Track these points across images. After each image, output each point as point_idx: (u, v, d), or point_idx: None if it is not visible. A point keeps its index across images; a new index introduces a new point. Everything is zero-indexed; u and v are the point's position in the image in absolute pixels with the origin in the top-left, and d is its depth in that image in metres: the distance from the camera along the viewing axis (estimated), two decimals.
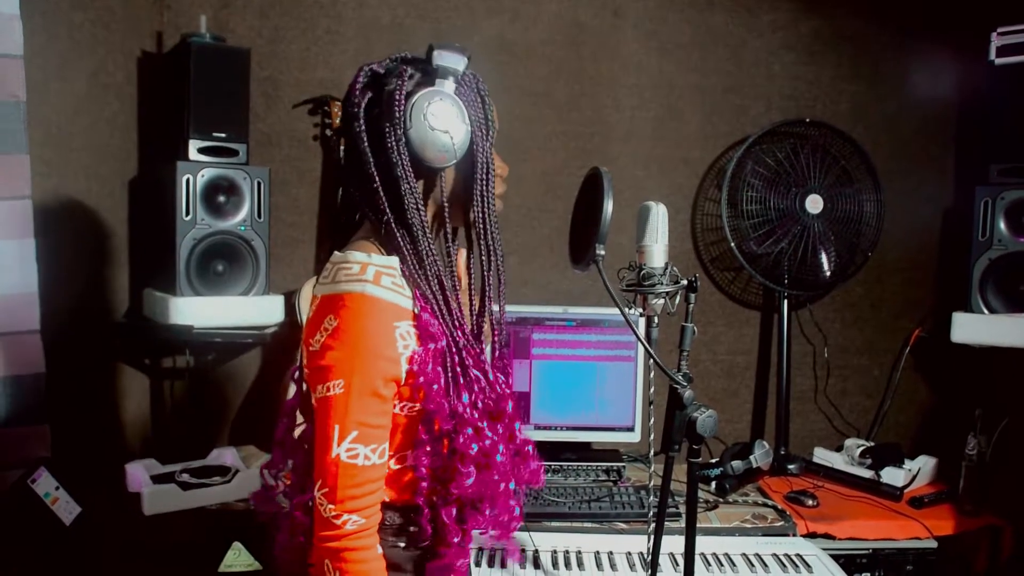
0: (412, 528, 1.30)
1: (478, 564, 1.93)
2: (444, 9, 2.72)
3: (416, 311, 1.22)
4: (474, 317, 1.36)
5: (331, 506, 1.16)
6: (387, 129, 1.20)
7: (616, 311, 1.36)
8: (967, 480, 2.36)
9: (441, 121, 1.20)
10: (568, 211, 1.53)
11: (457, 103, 1.21)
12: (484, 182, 1.28)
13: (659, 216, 1.44)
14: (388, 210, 1.23)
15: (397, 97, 1.20)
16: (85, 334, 2.31)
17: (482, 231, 1.30)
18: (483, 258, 1.32)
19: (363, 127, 1.23)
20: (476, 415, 1.23)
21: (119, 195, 2.49)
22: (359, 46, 2.69)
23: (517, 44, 2.76)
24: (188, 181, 2.28)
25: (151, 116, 2.55)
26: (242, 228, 2.38)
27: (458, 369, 1.23)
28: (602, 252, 1.35)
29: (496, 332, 1.39)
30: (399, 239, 1.23)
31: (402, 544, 1.30)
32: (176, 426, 2.60)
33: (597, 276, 1.36)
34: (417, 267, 1.23)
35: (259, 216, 2.40)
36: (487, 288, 1.33)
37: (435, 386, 1.19)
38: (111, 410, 2.45)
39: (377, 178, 1.23)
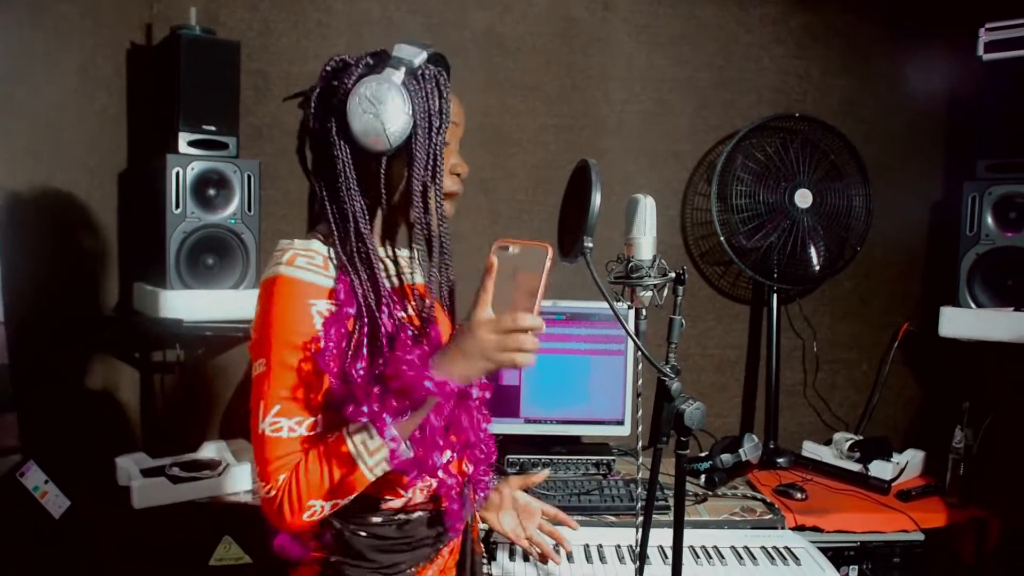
0: (375, 519, 1.32)
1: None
2: (434, 2, 2.72)
3: (335, 289, 1.23)
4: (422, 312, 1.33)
5: (263, 484, 1.20)
6: (328, 108, 1.24)
7: (606, 304, 1.36)
8: (954, 473, 2.37)
9: (377, 106, 1.20)
10: (558, 204, 1.53)
11: (401, 92, 1.21)
12: (425, 175, 1.25)
13: (647, 209, 1.44)
14: (324, 191, 1.26)
15: (345, 81, 1.23)
16: (75, 327, 2.30)
17: (421, 228, 1.27)
18: (424, 255, 1.30)
19: (312, 110, 1.26)
20: (367, 383, 1.19)
21: (108, 188, 2.48)
22: (350, 39, 2.69)
23: (507, 37, 2.76)
24: (178, 174, 2.27)
25: (140, 109, 2.54)
26: (232, 221, 2.37)
27: (364, 340, 1.22)
28: (590, 244, 1.35)
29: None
30: (332, 219, 1.25)
31: (363, 534, 1.32)
32: (166, 420, 2.60)
33: (586, 269, 1.36)
34: (348, 249, 1.24)
35: (249, 209, 2.40)
36: (430, 289, 1.32)
37: (332, 346, 1.19)
38: (101, 403, 2.44)
39: (312, 156, 1.28)
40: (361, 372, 1.20)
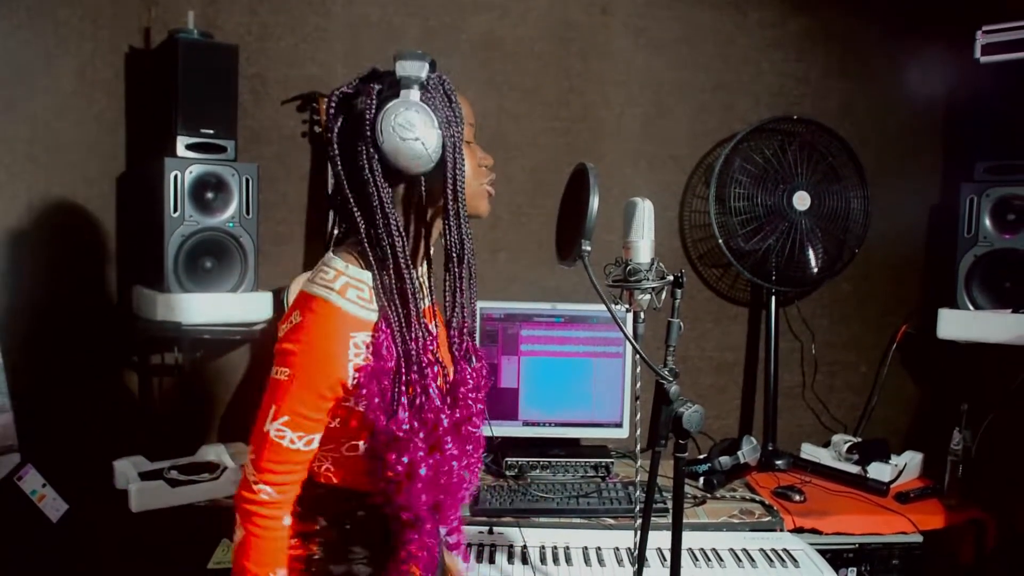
0: (360, 512, 1.34)
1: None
2: (432, 6, 2.72)
3: (377, 324, 1.26)
4: (454, 331, 1.37)
5: (253, 471, 1.26)
6: (359, 147, 1.24)
7: (604, 307, 1.37)
8: (953, 475, 2.38)
9: (411, 130, 1.22)
10: (557, 207, 1.54)
11: (424, 109, 1.23)
12: (455, 179, 1.28)
13: (645, 212, 1.44)
14: (364, 230, 1.26)
15: (367, 115, 1.23)
16: (74, 330, 2.30)
17: (452, 226, 1.30)
18: (454, 256, 1.32)
19: (336, 151, 1.27)
20: (412, 432, 1.24)
21: (107, 192, 2.49)
22: (348, 43, 2.69)
23: (506, 41, 2.76)
24: (176, 178, 2.27)
25: (139, 112, 2.54)
26: (230, 225, 2.37)
27: (402, 388, 1.25)
28: (588, 248, 1.36)
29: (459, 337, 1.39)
30: (374, 256, 1.27)
31: (348, 526, 1.35)
32: (164, 423, 2.59)
33: (584, 272, 1.36)
34: (387, 283, 1.26)
35: (247, 213, 2.40)
36: (458, 291, 1.34)
37: (376, 399, 1.23)
38: (99, 406, 2.44)
39: (352, 199, 1.27)
40: (404, 426, 1.23)
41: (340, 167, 1.26)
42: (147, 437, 2.58)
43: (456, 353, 1.38)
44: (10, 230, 2.04)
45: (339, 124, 1.27)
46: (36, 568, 1.96)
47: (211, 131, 2.36)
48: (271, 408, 1.24)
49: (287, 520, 1.29)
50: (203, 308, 2.33)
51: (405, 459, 1.23)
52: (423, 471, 1.25)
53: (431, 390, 1.26)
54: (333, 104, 1.27)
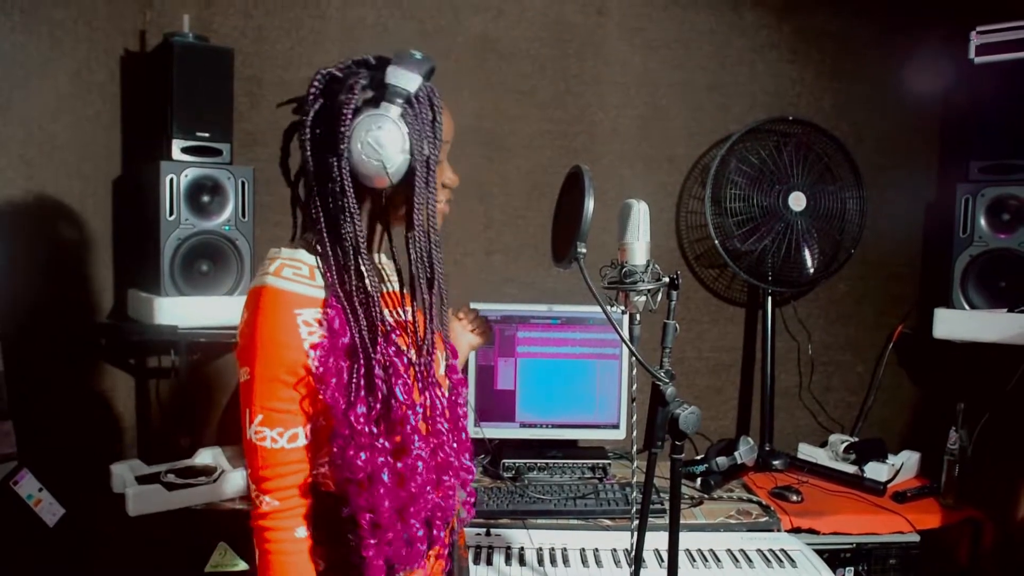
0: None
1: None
2: (428, 8, 2.72)
3: (326, 300, 1.23)
4: (422, 337, 1.31)
5: (252, 486, 1.24)
6: (330, 141, 1.22)
7: (600, 309, 1.37)
8: (949, 474, 2.38)
9: (378, 151, 1.20)
10: (552, 209, 1.54)
11: (398, 128, 1.21)
12: (425, 200, 1.26)
13: (640, 214, 1.44)
14: (324, 222, 1.24)
15: (344, 113, 1.20)
16: (69, 334, 2.30)
17: (419, 251, 1.27)
18: (418, 273, 1.28)
19: (308, 136, 1.24)
20: (371, 428, 1.21)
21: (103, 195, 2.48)
22: (343, 46, 2.69)
23: (502, 42, 2.76)
24: (172, 181, 2.27)
25: (134, 115, 2.54)
26: (226, 228, 2.37)
27: (362, 381, 1.22)
28: (583, 250, 1.36)
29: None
30: (330, 253, 1.24)
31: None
32: (161, 426, 2.59)
33: (580, 274, 1.36)
34: (337, 264, 1.24)
35: (243, 216, 2.40)
36: (425, 306, 1.30)
37: (333, 380, 1.20)
38: (95, 410, 2.44)
39: (316, 188, 1.25)
40: (362, 419, 1.20)
41: (308, 151, 1.24)
42: (144, 441, 2.58)
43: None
44: (4, 233, 2.04)
45: (317, 107, 1.24)
46: (33, 572, 1.96)
47: (207, 134, 2.36)
48: (245, 413, 1.22)
49: (300, 532, 1.25)
50: (199, 311, 2.32)
51: (363, 455, 1.20)
52: (385, 476, 1.21)
53: (397, 388, 1.23)
54: (317, 84, 1.25)
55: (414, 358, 1.28)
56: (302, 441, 1.23)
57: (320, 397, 1.21)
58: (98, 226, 2.43)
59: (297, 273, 1.24)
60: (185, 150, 2.32)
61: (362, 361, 1.22)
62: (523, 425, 2.49)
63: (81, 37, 2.32)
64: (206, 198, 2.34)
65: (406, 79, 1.22)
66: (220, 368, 2.68)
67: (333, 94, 1.23)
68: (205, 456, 2.37)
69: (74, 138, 2.31)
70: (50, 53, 2.20)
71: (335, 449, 1.23)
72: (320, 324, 1.22)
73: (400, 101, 1.21)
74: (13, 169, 2.05)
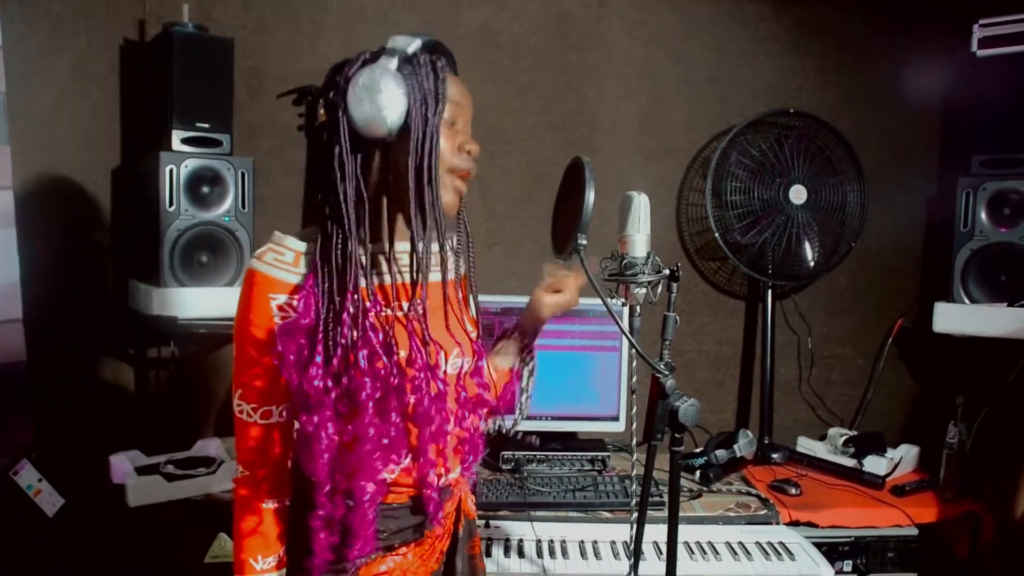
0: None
1: None
2: None
3: (299, 285, 1.25)
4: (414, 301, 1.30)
5: (236, 455, 1.33)
6: (331, 105, 1.25)
7: (600, 301, 1.36)
8: (948, 468, 2.38)
9: (374, 92, 1.20)
10: (553, 202, 1.53)
11: (396, 77, 1.21)
12: (423, 155, 1.25)
13: (641, 206, 1.44)
14: (323, 183, 1.26)
15: (346, 74, 1.24)
16: (69, 325, 2.30)
17: (417, 206, 1.25)
18: (417, 230, 1.26)
19: (321, 114, 1.29)
20: (324, 391, 1.21)
21: (102, 185, 2.48)
22: (344, 36, 2.68)
23: (503, 34, 2.75)
24: (171, 171, 2.26)
25: (134, 106, 2.53)
26: (226, 219, 2.37)
27: (318, 346, 1.22)
28: (584, 242, 1.35)
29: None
30: (326, 210, 1.25)
31: None
32: (161, 417, 2.59)
33: (580, 266, 1.36)
34: (327, 240, 1.24)
35: (243, 207, 2.39)
36: (419, 266, 1.27)
37: (290, 356, 1.22)
38: (95, 401, 2.44)
39: (324, 153, 1.27)
40: (317, 383, 1.21)
41: (325, 134, 1.26)
42: (143, 431, 2.58)
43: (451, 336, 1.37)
44: (4, 224, 2.04)
45: (323, 88, 1.28)
46: (33, 563, 1.96)
47: (207, 125, 2.35)
48: (233, 388, 1.30)
49: (269, 504, 1.33)
50: (199, 302, 2.32)
51: (315, 418, 1.21)
52: (329, 431, 1.22)
53: (360, 356, 1.22)
54: (328, 71, 1.29)
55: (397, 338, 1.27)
56: (275, 419, 1.30)
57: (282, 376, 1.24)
58: (98, 217, 2.43)
59: (279, 258, 1.27)
60: (185, 141, 2.32)
61: (325, 329, 1.22)
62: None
63: (80, 28, 2.32)
64: (206, 189, 2.34)
65: (403, 42, 1.25)
66: (220, 359, 2.68)
67: (340, 72, 1.27)
68: (205, 447, 2.37)
69: (74, 129, 2.31)
70: (49, 44, 2.19)
71: (294, 420, 1.28)
72: (292, 309, 1.24)
73: (397, 58, 1.23)
74: (13, 160, 2.04)
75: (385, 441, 1.26)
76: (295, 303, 1.24)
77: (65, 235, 2.31)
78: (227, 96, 2.42)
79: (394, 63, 1.23)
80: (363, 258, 1.25)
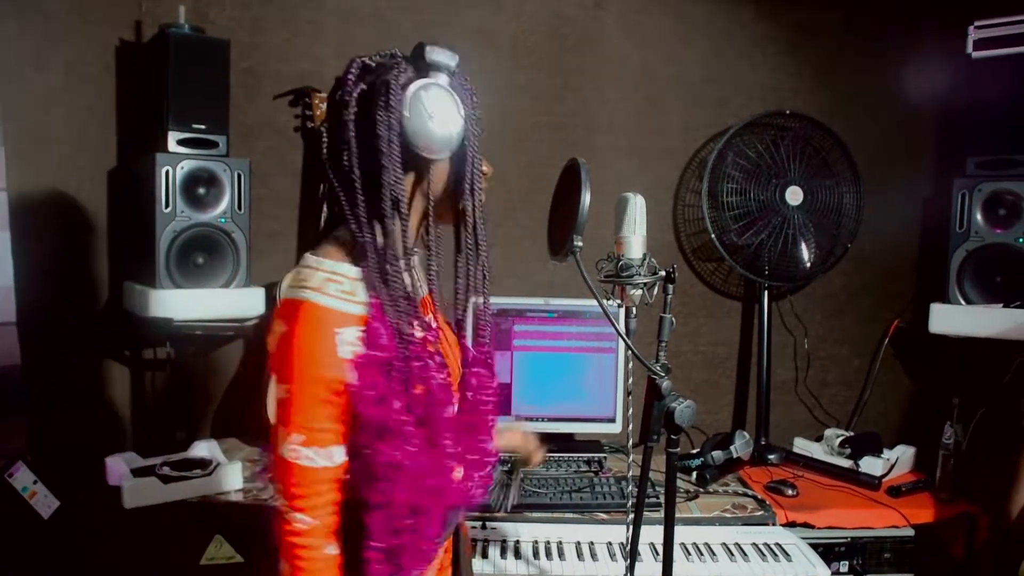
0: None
1: None
2: (426, 0, 2.71)
3: (367, 316, 1.19)
4: (456, 312, 1.33)
5: (282, 502, 1.19)
6: (380, 117, 1.17)
7: (596, 303, 1.36)
8: (944, 469, 2.38)
9: (439, 111, 1.18)
10: (549, 203, 1.53)
11: (453, 95, 1.20)
12: (475, 176, 1.26)
13: (637, 207, 1.44)
14: (363, 205, 1.20)
15: (394, 85, 1.18)
16: (64, 327, 2.29)
17: (471, 225, 1.27)
18: (469, 252, 1.28)
19: (352, 116, 1.20)
20: (404, 422, 1.19)
21: (98, 187, 2.47)
22: (340, 38, 2.68)
23: (500, 35, 2.75)
24: (167, 173, 2.26)
25: (130, 107, 2.53)
26: (222, 220, 2.36)
27: (397, 377, 1.19)
28: (580, 243, 1.35)
29: (482, 327, 1.36)
30: (363, 242, 1.20)
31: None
32: (156, 419, 2.59)
33: (577, 267, 1.36)
34: (378, 271, 1.20)
35: (239, 208, 2.39)
36: (471, 282, 1.30)
37: (369, 392, 1.16)
38: (91, 403, 2.43)
39: (358, 171, 1.20)
40: (396, 410, 1.18)
41: (353, 134, 1.20)
42: (139, 433, 2.58)
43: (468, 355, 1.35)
44: None
45: (359, 90, 1.20)
46: (28, 565, 1.96)
47: (203, 126, 2.35)
48: (280, 430, 1.17)
49: (331, 550, 1.20)
50: (195, 304, 2.32)
51: (398, 446, 1.17)
52: (415, 457, 1.19)
53: (433, 381, 1.21)
54: (355, 71, 1.22)
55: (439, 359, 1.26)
56: (340, 459, 1.20)
57: (356, 412, 1.17)
58: (93, 218, 2.43)
59: (341, 289, 1.19)
60: (181, 142, 2.31)
61: (400, 360, 1.19)
62: (519, 418, 2.49)
63: (76, 28, 2.31)
64: (202, 190, 2.34)
65: (447, 56, 1.22)
66: (216, 360, 2.68)
67: (374, 76, 1.21)
68: (201, 449, 2.36)
69: (69, 130, 2.31)
70: (44, 44, 2.19)
71: (365, 449, 1.19)
72: (361, 343, 1.17)
73: (446, 73, 1.21)
74: (7, 161, 2.04)
75: (471, 457, 1.28)
76: (363, 336, 1.17)
77: (59, 237, 2.31)
78: (223, 97, 2.42)
79: (446, 80, 1.21)
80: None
